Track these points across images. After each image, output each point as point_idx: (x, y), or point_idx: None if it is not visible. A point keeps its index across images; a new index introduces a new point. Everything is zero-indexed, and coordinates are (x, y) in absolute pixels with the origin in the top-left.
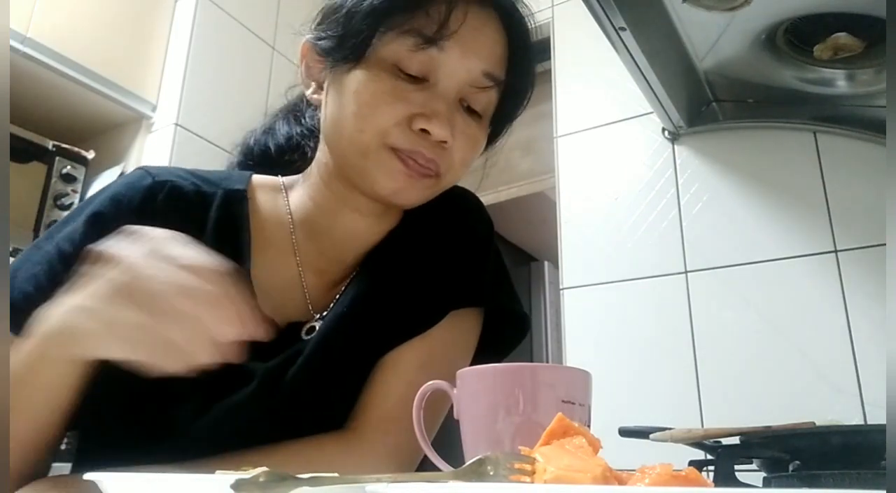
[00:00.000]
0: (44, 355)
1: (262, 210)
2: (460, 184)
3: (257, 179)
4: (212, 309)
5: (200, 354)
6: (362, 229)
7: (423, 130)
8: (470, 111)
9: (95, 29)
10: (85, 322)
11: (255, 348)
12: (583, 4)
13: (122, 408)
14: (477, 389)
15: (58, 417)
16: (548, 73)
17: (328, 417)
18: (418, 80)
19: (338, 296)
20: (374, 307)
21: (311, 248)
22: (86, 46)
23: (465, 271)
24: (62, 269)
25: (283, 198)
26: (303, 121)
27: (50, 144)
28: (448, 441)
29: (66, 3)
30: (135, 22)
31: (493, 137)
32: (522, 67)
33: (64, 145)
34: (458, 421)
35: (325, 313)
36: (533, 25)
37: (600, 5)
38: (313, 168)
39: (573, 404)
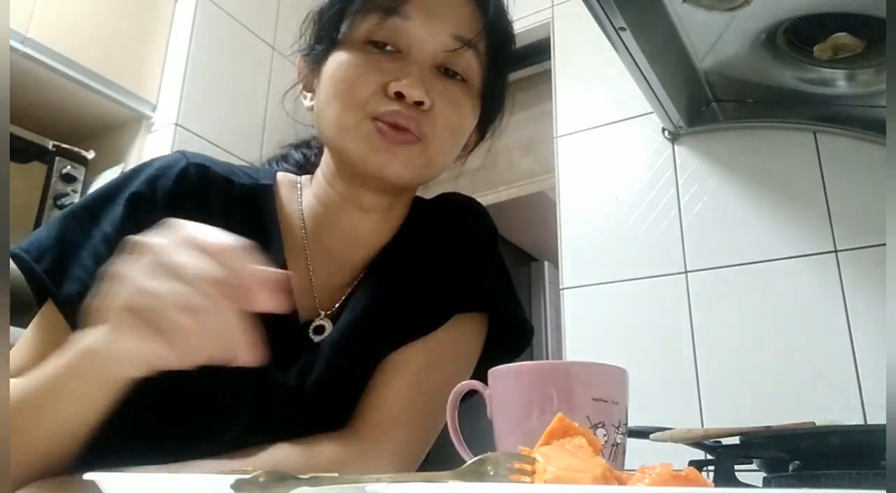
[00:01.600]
0: (75, 371)
1: (284, 207)
2: (461, 187)
3: (281, 176)
4: (240, 297)
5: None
6: (367, 227)
7: (399, 94)
8: (452, 78)
9: (95, 29)
10: (113, 346)
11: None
12: (583, 4)
13: (141, 421)
14: (510, 387)
15: (84, 429)
16: (548, 73)
17: (340, 421)
18: (391, 52)
19: (344, 297)
20: (384, 314)
21: (319, 248)
22: (86, 46)
23: (469, 275)
24: (108, 254)
25: (297, 197)
26: (312, 144)
27: (50, 144)
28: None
29: (66, 3)
30: (135, 22)
31: (489, 115)
32: (496, 26)
33: (64, 145)
34: (490, 420)
35: (329, 312)
36: None
37: (600, 5)
38: (318, 169)
39: (607, 402)
